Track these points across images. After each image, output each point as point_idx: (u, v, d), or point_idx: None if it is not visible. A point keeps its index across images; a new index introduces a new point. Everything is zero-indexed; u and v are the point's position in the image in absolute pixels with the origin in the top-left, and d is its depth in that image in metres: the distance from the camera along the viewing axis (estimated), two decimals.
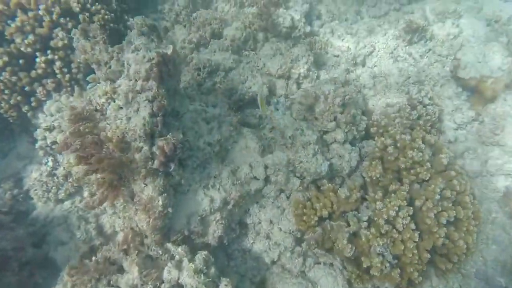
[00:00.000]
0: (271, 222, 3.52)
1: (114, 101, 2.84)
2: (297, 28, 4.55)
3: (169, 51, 3.00)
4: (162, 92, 2.87)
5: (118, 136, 2.73)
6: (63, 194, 3.50)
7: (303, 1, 4.68)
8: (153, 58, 2.85)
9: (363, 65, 4.62)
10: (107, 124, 2.83)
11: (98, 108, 2.92)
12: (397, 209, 2.93)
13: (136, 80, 2.86)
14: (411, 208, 2.95)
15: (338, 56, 4.71)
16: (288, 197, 3.60)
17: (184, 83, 4.14)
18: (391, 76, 4.39)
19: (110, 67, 3.04)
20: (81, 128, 2.73)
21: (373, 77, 4.44)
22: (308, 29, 4.62)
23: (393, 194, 3.06)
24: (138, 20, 3.03)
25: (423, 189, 3.07)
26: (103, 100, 2.84)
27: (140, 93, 2.86)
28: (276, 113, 4.11)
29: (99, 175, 2.67)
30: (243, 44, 4.57)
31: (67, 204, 3.55)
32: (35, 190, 3.47)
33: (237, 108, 4.09)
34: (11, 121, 3.61)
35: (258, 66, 4.45)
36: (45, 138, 3.50)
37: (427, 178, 3.08)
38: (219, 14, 4.71)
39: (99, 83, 3.07)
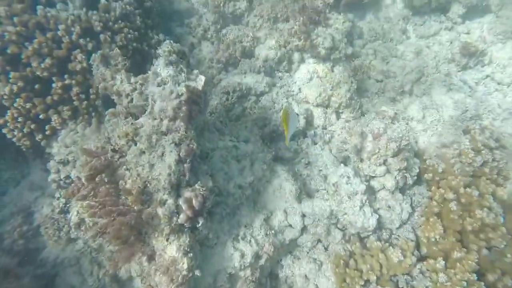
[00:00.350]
0: (306, 277, 3.08)
1: (136, 144, 2.45)
2: (338, 50, 4.08)
3: (200, 85, 2.60)
4: (191, 134, 2.48)
5: (139, 187, 2.34)
6: (75, 233, 3.16)
7: (345, 18, 4.20)
8: (181, 94, 2.45)
9: (410, 94, 4.10)
10: (126, 169, 2.45)
11: (117, 148, 2.54)
12: (465, 284, 2.44)
13: (161, 120, 2.47)
14: (482, 284, 2.45)
15: (381, 81, 4.21)
16: (326, 249, 3.15)
17: (211, 107, 3.75)
18: (444, 108, 3.86)
19: (132, 100, 2.66)
20: (96, 177, 2.36)
21: (423, 108, 3.92)
22: (349, 50, 4.13)
23: (458, 263, 2.56)
24: (166, 47, 2.63)
25: (496, 258, 2.56)
26: (122, 142, 2.46)
27: (166, 135, 2.47)
28: (313, 147, 3.66)
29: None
30: (277, 65, 4.13)
31: (79, 243, 3.21)
32: (46, 228, 3.14)
33: (270, 139, 3.67)
34: (24, 149, 3.29)
35: (293, 91, 4.01)
36: (58, 171, 3.16)
37: (502, 245, 2.57)
38: (251, 30, 4.28)
39: (119, 116, 2.69)
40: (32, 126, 3.15)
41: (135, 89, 2.66)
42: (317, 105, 3.84)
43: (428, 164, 3.20)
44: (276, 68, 4.15)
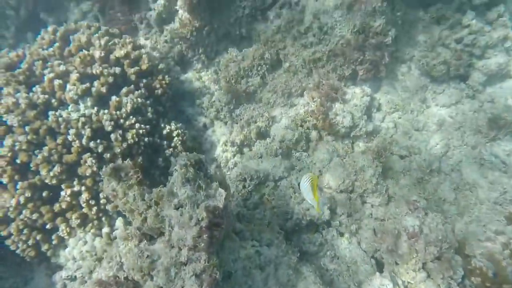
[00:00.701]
0: None
1: (152, 278, 2.19)
2: (358, 127, 3.89)
3: (221, 202, 2.37)
4: (213, 262, 2.21)
5: None
6: None
7: (362, 92, 4.05)
8: (202, 219, 2.22)
9: (438, 171, 3.84)
10: None
11: (131, 279, 2.28)
12: None
13: (180, 249, 2.22)
14: None
15: (405, 157, 3.97)
16: None
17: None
18: (478, 188, 3.58)
19: (145, 219, 2.43)
20: None
21: (454, 188, 3.65)
22: (370, 127, 3.95)
23: None
24: (182, 161, 2.44)
25: None
26: (137, 276, 2.20)
27: (186, 265, 2.22)
28: (340, 240, 3.37)
29: None
30: (294, 145, 3.94)
31: None
32: None
33: (292, 232, 3.40)
34: (28, 260, 3.05)
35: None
36: (65, 286, 2.89)
37: None
38: (265, 107, 4.15)
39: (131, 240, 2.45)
40: (38, 237, 2.93)
41: (149, 206, 2.45)
42: (341, 191, 3.58)
43: (474, 266, 2.87)
44: (294, 148, 3.96)
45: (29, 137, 2.83)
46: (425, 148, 4.01)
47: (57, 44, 3.47)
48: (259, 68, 4.26)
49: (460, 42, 4.26)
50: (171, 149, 3.44)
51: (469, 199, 3.55)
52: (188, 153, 2.51)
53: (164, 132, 3.51)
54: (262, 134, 4.01)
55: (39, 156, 2.83)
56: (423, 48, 4.52)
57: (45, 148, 2.86)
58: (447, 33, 4.28)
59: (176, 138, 3.50)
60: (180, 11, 4.06)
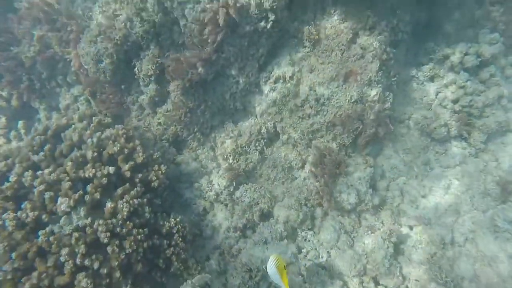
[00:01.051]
0: None
1: None
2: (364, 202, 3.75)
3: None
4: None
5: None
6: None
7: (365, 163, 3.95)
8: None
9: (452, 243, 3.67)
10: None
11: None
12: None
13: None
14: None
15: (413, 228, 3.81)
16: None
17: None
18: (498, 263, 3.40)
19: None
20: None
21: (472, 263, 3.47)
22: (376, 200, 3.81)
23: None
24: None
25: None
26: None
27: None
28: None
29: None
30: (299, 225, 3.77)
31: None
32: None
33: None
34: None
35: (322, 257, 3.59)
36: None
37: None
38: (268, 188, 4.00)
39: None
40: None
41: None
42: (353, 277, 3.39)
43: None
44: (299, 227, 3.79)
45: (15, 265, 2.64)
46: (435, 216, 3.86)
47: (48, 146, 3.35)
48: (257, 144, 4.16)
49: (456, 103, 4.23)
50: (172, 249, 3.25)
51: (490, 276, 3.36)
52: (192, 280, 2.33)
53: (164, 230, 3.33)
54: (265, 215, 3.84)
55: (27, 285, 2.62)
56: (419, 106, 4.49)
57: (34, 274, 2.66)
58: (443, 94, 4.25)
59: (176, 235, 3.32)
60: (173, 94, 4.00)
